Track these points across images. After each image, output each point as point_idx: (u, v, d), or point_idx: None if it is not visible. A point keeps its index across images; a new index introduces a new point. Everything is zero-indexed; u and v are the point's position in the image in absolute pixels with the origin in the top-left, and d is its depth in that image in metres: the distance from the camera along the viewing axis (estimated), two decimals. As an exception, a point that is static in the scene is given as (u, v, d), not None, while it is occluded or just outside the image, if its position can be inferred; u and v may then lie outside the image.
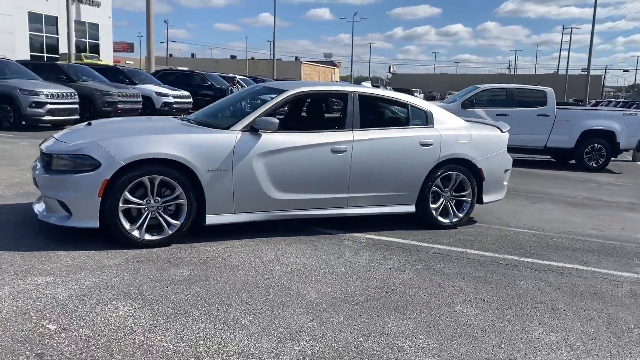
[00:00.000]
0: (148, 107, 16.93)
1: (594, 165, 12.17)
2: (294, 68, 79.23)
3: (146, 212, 4.65)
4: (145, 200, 4.63)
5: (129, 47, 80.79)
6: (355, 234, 5.46)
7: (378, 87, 37.45)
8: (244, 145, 4.89)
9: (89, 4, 41.56)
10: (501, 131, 6.24)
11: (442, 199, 5.88)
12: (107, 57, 43.53)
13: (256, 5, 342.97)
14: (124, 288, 3.77)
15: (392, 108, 6.08)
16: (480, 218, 6.54)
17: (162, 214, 4.70)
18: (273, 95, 5.38)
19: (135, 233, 4.61)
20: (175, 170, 4.65)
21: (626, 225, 6.78)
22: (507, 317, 3.70)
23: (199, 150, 4.73)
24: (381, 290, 4.03)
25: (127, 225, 4.57)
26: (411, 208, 5.75)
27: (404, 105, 5.84)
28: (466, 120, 6.52)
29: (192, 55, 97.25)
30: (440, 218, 5.88)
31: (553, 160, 13.66)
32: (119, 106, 14.91)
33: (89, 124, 5.37)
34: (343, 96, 5.60)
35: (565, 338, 3.42)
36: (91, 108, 14.45)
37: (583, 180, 10.83)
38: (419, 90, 66.15)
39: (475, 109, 12.08)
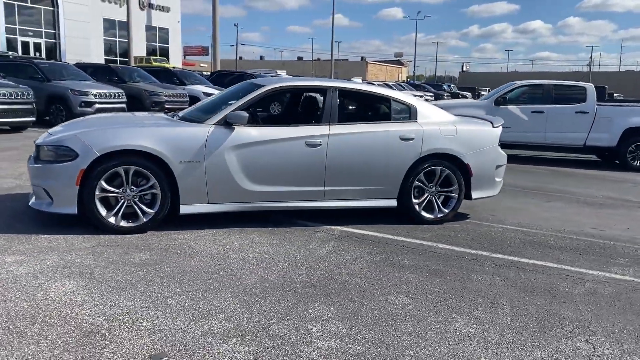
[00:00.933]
0: (196, 106, 17.59)
1: (638, 164, 11.51)
2: (359, 68, 79.28)
3: (122, 201, 4.96)
4: (121, 189, 4.94)
5: (204, 51, 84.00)
6: (333, 227, 5.55)
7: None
8: (216, 138, 5.11)
9: (159, 9, 43.48)
10: (493, 126, 6.11)
11: (426, 194, 5.85)
12: (176, 60, 45.39)
13: (328, 7, 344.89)
14: (79, 268, 4.07)
15: (373, 103, 6.11)
16: (477, 215, 6.44)
17: (138, 202, 5.00)
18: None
19: (111, 220, 4.93)
20: (149, 162, 4.93)
21: (634, 226, 6.45)
22: (438, 308, 3.69)
23: (172, 143, 4.98)
24: (324, 279, 4.12)
25: (103, 212, 4.90)
26: (392, 202, 5.76)
27: (385, 100, 5.86)
28: (460, 116, 6.44)
29: (261, 57, 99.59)
30: (423, 213, 5.85)
31: (599, 160, 13.01)
32: (166, 105, 15.63)
33: (83, 118, 5.77)
34: (322, 91, 5.70)
35: (485, 330, 3.39)
36: (140, 107, 15.23)
37: (620, 180, 10.28)
38: (487, 89, 64.28)
39: (509, 106, 11.73)
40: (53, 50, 36.41)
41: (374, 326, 3.36)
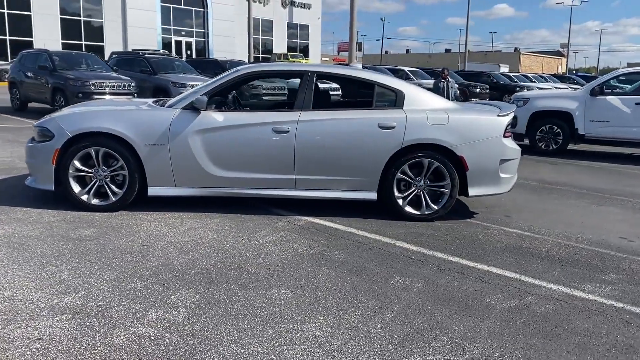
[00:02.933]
0: (298, 98, 17.97)
1: None
2: (512, 59, 74.75)
3: (94, 180, 5.25)
4: (93, 170, 5.23)
5: (357, 46, 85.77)
6: (302, 217, 5.33)
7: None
8: (180, 122, 5.17)
9: (301, 6, 44.96)
10: (498, 114, 5.39)
11: (413, 188, 5.35)
12: (315, 56, 46.67)
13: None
14: (18, 239, 4.39)
15: (355, 88, 5.72)
16: (486, 215, 5.77)
17: (109, 183, 5.25)
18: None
19: (84, 197, 5.24)
20: (117, 144, 5.15)
21: (684, 238, 5.27)
22: (311, 307, 3.37)
23: (138, 126, 5.15)
24: (228, 267, 3.97)
25: (76, 190, 5.22)
26: (372, 195, 5.36)
27: (369, 85, 5.45)
28: (473, 103, 5.78)
29: (407, 50, 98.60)
30: (408, 208, 5.36)
31: None
32: (264, 98, 16.15)
33: (83, 103, 6.19)
34: (299, 76, 5.48)
35: (334, 335, 3.02)
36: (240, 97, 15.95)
37: None
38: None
39: (607, 97, 10.25)
40: (202, 49, 39.57)
41: (218, 318, 3.17)
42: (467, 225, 5.37)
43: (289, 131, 5.18)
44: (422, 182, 5.33)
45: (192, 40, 39.10)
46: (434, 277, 3.94)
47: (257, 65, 6.05)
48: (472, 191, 5.36)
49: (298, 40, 45.99)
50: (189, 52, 38.95)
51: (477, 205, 6.12)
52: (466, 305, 3.49)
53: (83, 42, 33.06)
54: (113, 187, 5.24)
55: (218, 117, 5.21)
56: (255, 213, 5.41)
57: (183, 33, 38.56)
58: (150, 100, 5.94)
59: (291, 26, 45.00)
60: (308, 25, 46.23)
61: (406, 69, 22.41)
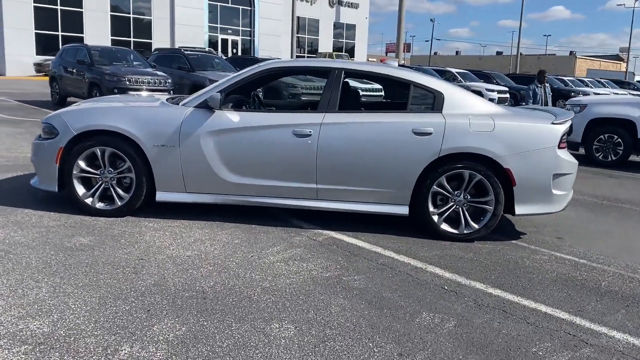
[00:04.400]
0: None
1: None
2: (567, 63, 71.95)
3: (100, 182, 4.83)
4: (99, 171, 4.81)
5: (406, 47, 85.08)
6: (324, 231, 4.76)
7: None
8: (192, 122, 4.69)
9: (348, 6, 44.37)
10: (553, 122, 4.68)
11: (451, 203, 4.70)
12: (361, 55, 46.00)
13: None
14: (7, 245, 4.00)
15: (388, 88, 5.10)
16: (535, 236, 5.06)
17: (115, 186, 4.82)
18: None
19: (88, 200, 4.83)
20: (124, 144, 4.72)
21: None
22: (314, 349, 2.80)
23: (147, 125, 4.70)
24: (229, 291, 3.45)
25: (81, 192, 4.82)
26: (403, 210, 4.74)
27: (404, 85, 4.82)
28: (526, 108, 5.09)
29: (457, 52, 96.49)
30: (444, 226, 4.72)
31: None
32: (302, 97, 15.66)
33: (96, 98, 5.80)
34: (325, 73, 4.91)
35: (337, 393, 2.44)
36: (277, 96, 15.51)
37: None
38: None
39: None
40: (248, 48, 39.49)
41: (201, 359, 2.64)
42: (512, 248, 4.68)
43: (310, 134, 4.62)
44: (462, 196, 4.68)
45: (239, 38, 39.06)
46: (469, 315, 3.30)
47: (279, 61, 5.52)
48: (519, 209, 4.67)
49: (344, 40, 45.37)
50: (234, 50, 38.92)
51: (524, 223, 5.42)
52: (507, 357, 2.85)
53: (132, 39, 33.44)
54: (119, 190, 4.81)
55: (233, 117, 4.70)
56: (273, 224, 4.88)
57: (229, 31, 38.55)
58: (164, 98, 5.49)
59: (338, 26, 44.44)
60: (355, 25, 45.54)
61: (454, 70, 21.47)
